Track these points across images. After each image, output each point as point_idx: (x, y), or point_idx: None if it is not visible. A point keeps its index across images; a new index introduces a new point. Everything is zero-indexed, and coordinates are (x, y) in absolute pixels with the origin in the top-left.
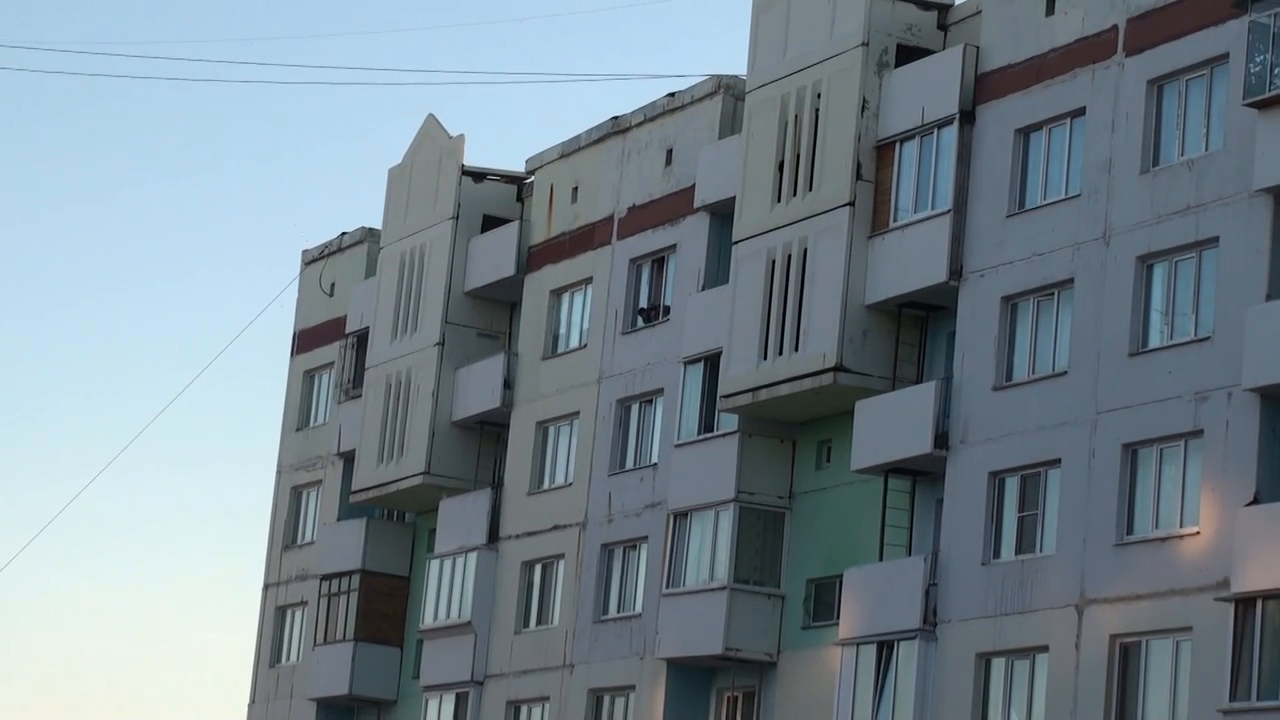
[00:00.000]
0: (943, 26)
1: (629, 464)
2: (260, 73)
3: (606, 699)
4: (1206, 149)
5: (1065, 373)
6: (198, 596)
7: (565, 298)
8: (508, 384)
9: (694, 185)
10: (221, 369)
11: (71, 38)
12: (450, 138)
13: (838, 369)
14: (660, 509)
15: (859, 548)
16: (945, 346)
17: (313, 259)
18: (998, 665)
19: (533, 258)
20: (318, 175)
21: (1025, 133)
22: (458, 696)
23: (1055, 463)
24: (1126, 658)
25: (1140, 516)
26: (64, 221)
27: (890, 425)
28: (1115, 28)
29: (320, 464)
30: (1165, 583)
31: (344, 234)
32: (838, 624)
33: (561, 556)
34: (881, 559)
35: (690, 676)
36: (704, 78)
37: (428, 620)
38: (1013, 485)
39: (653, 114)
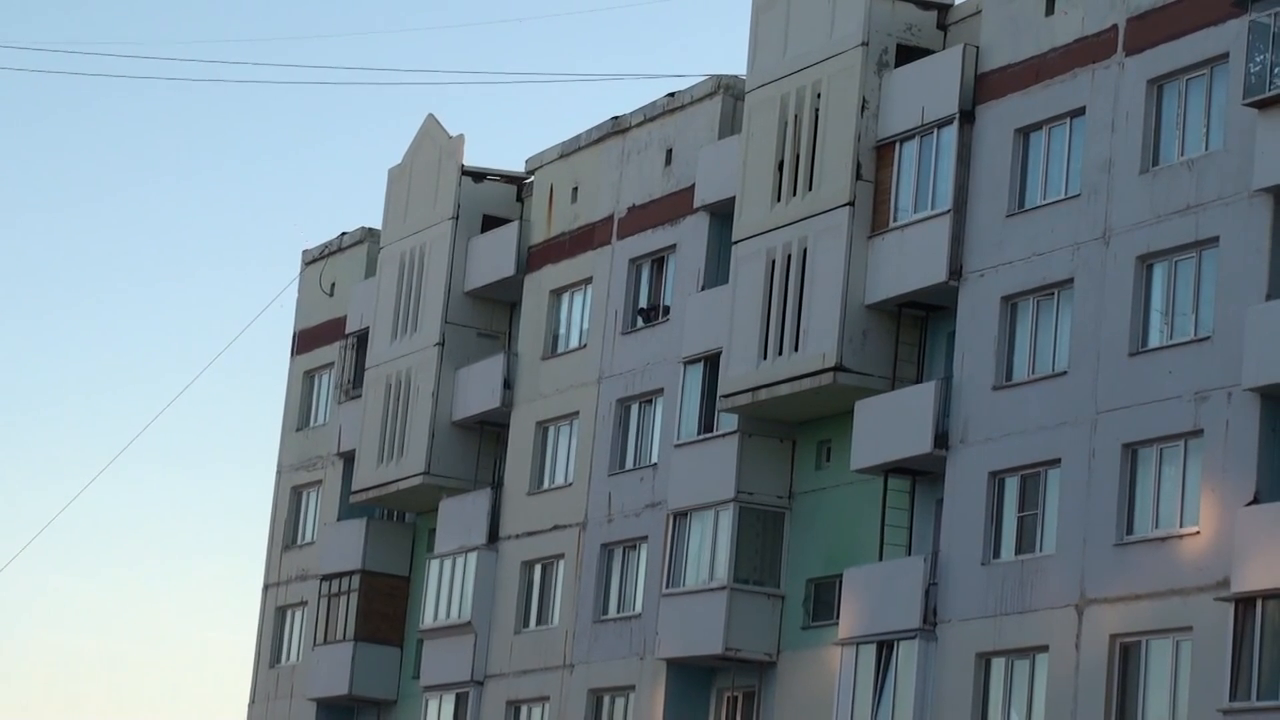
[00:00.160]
0: (942, 26)
1: (629, 464)
2: (260, 73)
3: (606, 699)
4: (1206, 149)
5: (1065, 372)
6: (198, 596)
7: (565, 298)
8: (508, 384)
9: (694, 185)
10: (221, 369)
11: (71, 38)
12: (450, 138)
13: (837, 369)
14: (660, 509)
15: (859, 548)
16: (945, 346)
17: (313, 259)
18: (998, 665)
19: (533, 258)
20: (318, 175)
21: (1025, 132)
22: (458, 696)
23: (1055, 463)
24: (1126, 658)
25: (1140, 516)
26: (64, 221)
27: (890, 425)
28: (1115, 27)
29: (320, 464)
30: (1165, 583)
31: (344, 234)
32: (837, 624)
33: (561, 556)
34: (881, 559)
35: (690, 676)
36: (704, 78)
37: (428, 620)
38: (1012, 485)
39: (652, 114)
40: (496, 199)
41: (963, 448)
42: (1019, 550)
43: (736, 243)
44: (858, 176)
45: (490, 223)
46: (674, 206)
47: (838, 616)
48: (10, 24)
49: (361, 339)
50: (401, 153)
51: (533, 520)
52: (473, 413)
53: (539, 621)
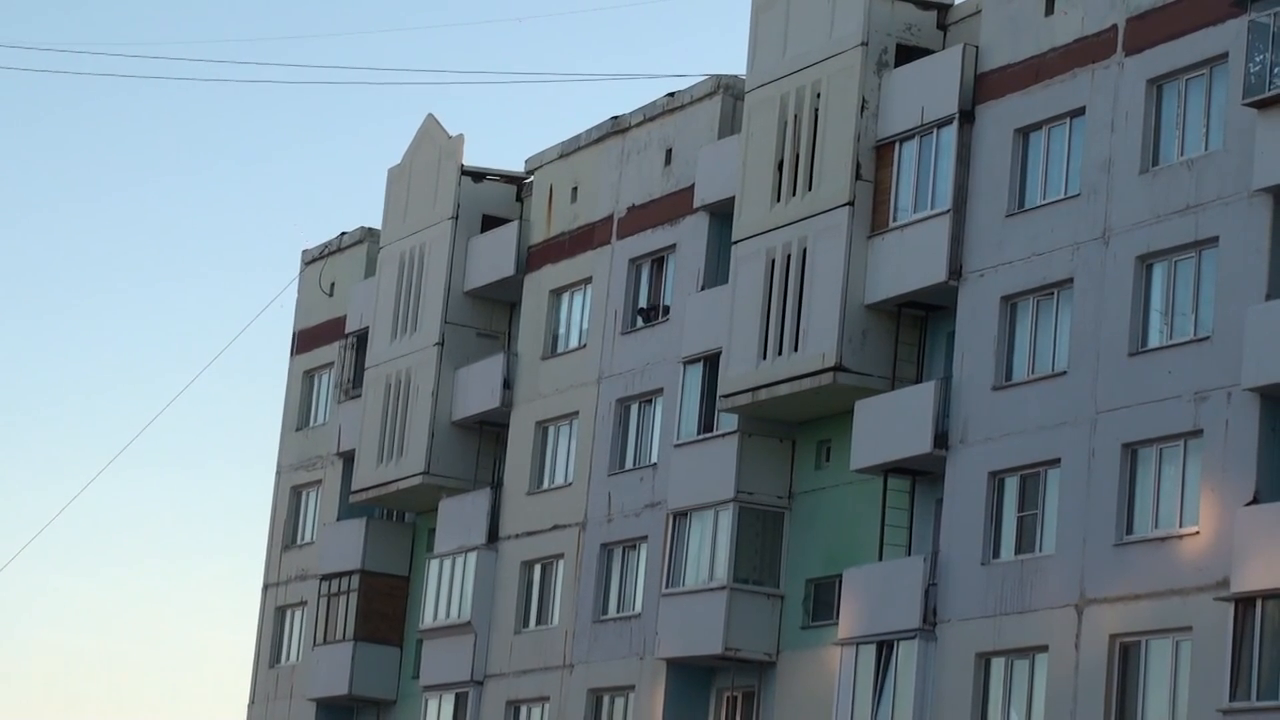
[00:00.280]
0: (942, 26)
1: (629, 464)
2: (260, 73)
3: (606, 699)
4: (1206, 149)
5: (1065, 372)
6: (198, 596)
7: (565, 297)
8: (507, 384)
9: (693, 185)
10: (221, 369)
11: (71, 38)
12: (450, 138)
13: (837, 369)
14: (660, 509)
15: (858, 547)
16: (945, 346)
17: (312, 259)
18: (997, 665)
19: (532, 258)
20: (318, 175)
21: (1025, 132)
22: (457, 696)
23: (1055, 462)
24: (1126, 657)
25: (1140, 516)
26: (64, 221)
27: (890, 425)
28: (1115, 27)
29: (320, 464)
30: (1165, 583)
31: (344, 234)
32: (837, 624)
33: (561, 556)
34: (881, 559)
35: (690, 676)
36: (703, 78)
37: (427, 620)
38: (1012, 485)
39: (652, 114)
40: (496, 199)
41: (962, 448)
42: (1019, 550)
43: (736, 243)
44: (857, 176)
45: (490, 223)
46: (674, 206)
47: (837, 616)
48: (10, 24)
49: (361, 339)
50: (401, 153)
51: (532, 520)
52: (472, 413)
53: (539, 621)
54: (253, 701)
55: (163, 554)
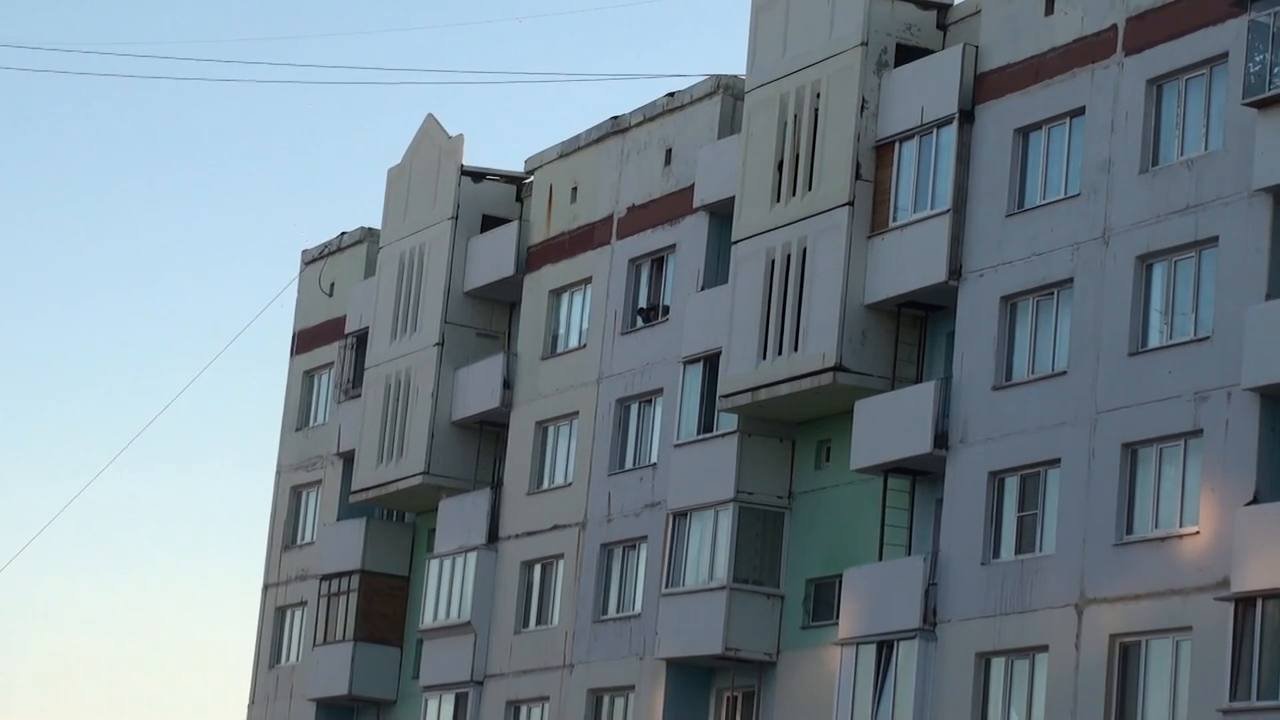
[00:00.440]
0: (942, 26)
1: (628, 464)
2: (260, 72)
3: (606, 699)
4: (1206, 149)
5: (1065, 372)
6: (198, 596)
7: (565, 298)
8: (507, 384)
9: (693, 185)
10: (221, 369)
11: (71, 38)
12: (449, 138)
13: (837, 369)
14: (660, 509)
15: (858, 547)
16: (945, 346)
17: (312, 259)
18: (997, 665)
19: (532, 258)
20: (318, 175)
21: (1024, 132)
22: (457, 696)
23: (1055, 462)
24: (1126, 657)
25: (1140, 516)
26: (64, 221)
27: (890, 425)
28: (1114, 27)
29: (320, 464)
30: (1165, 582)
31: (343, 234)
32: (837, 624)
33: (561, 556)
34: (881, 559)
35: (690, 676)
36: (703, 78)
37: (427, 620)
38: (1012, 485)
39: (652, 114)
40: (496, 199)
41: (962, 448)
42: (1019, 550)
43: (736, 243)
44: (857, 176)
45: (490, 223)
46: (673, 206)
47: (837, 616)
48: (10, 24)
49: (361, 339)
50: (401, 153)
51: (532, 520)
52: (472, 413)
53: (539, 621)
54: (253, 702)
55: (163, 554)
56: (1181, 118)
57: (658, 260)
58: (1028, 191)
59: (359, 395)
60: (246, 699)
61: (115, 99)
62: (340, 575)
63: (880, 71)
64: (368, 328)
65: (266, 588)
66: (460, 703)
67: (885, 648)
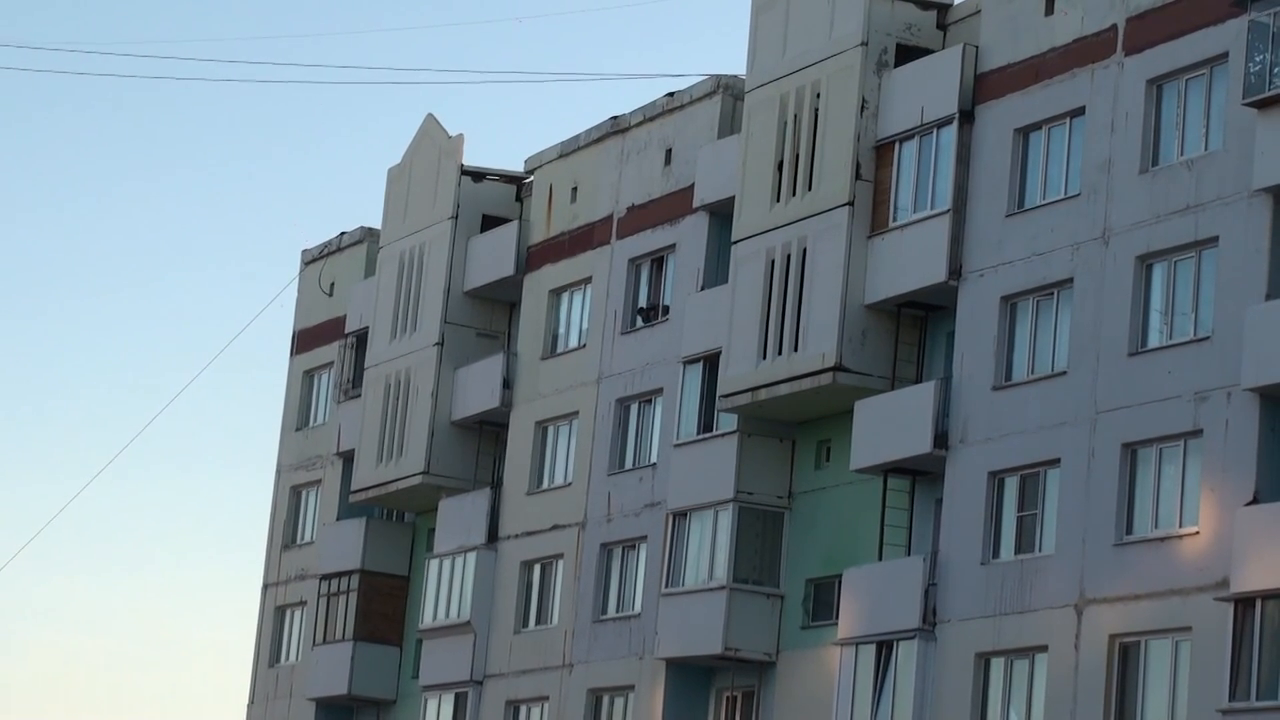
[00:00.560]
0: (942, 26)
1: (628, 464)
2: (260, 73)
3: (606, 699)
4: (1206, 149)
5: (1065, 372)
6: (198, 596)
7: (564, 297)
8: (507, 384)
9: (693, 185)
10: (221, 369)
11: (71, 38)
12: (449, 137)
13: (837, 369)
14: (659, 509)
15: (858, 547)
16: (945, 346)
17: (312, 259)
18: (997, 665)
19: (532, 257)
20: (318, 175)
21: (1024, 132)
22: (457, 696)
23: (1055, 462)
24: (1126, 658)
25: (1140, 516)
26: (64, 221)
27: (890, 425)
28: (1114, 27)
29: (320, 464)
30: (1165, 583)
31: (343, 234)
32: (837, 624)
33: (561, 556)
34: (881, 559)
35: (689, 676)
36: (703, 77)
37: (427, 620)
38: (1012, 485)
39: (652, 114)
40: (496, 199)
41: (962, 448)
42: (1018, 550)
43: (736, 242)
44: (857, 176)
45: (490, 222)
46: (673, 206)
47: (837, 616)
48: (10, 24)
49: (361, 339)
50: (401, 153)
51: (532, 520)
52: (472, 412)
53: (538, 621)
54: (252, 701)
55: (163, 554)
56: (1181, 118)
57: (658, 260)
58: (1028, 191)
59: (359, 395)
60: (246, 699)
61: (115, 99)
62: (340, 575)
63: (880, 71)
64: (368, 327)
65: (266, 587)
66: (460, 702)
67: (885, 648)
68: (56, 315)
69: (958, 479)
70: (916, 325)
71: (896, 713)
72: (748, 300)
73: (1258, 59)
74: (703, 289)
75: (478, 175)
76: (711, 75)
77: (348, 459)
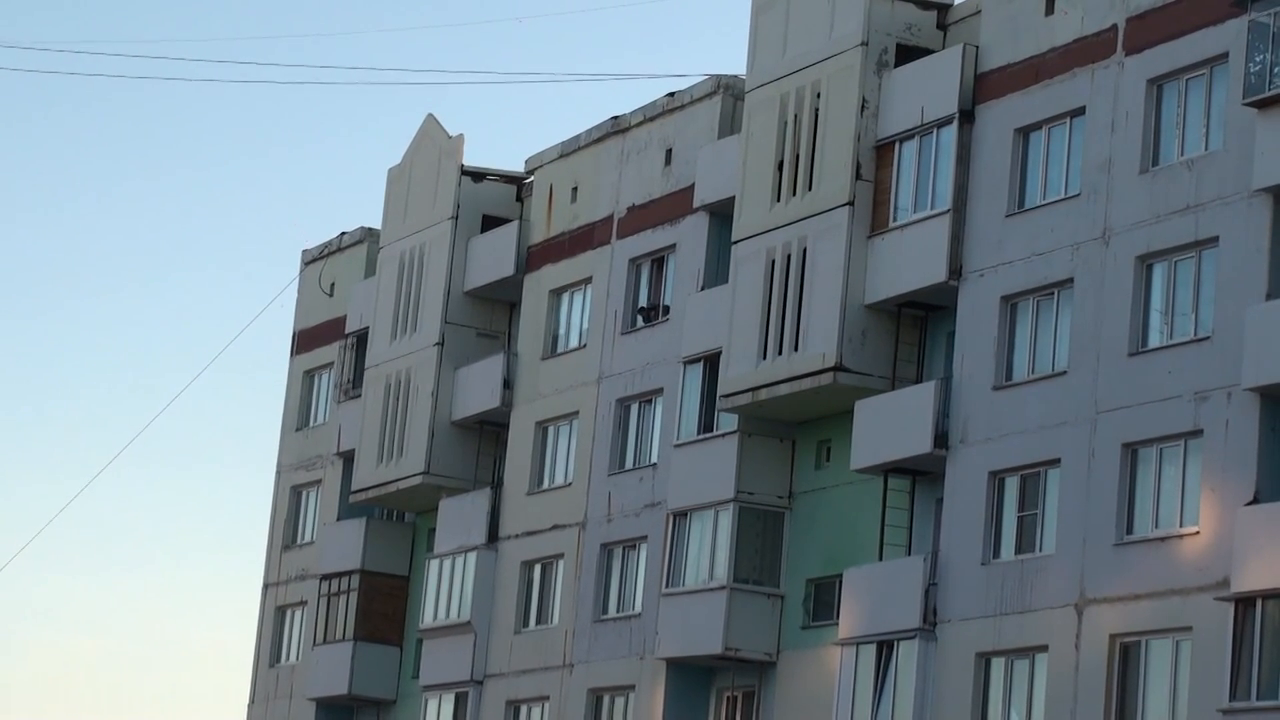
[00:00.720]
0: (942, 26)
1: (628, 464)
2: (260, 73)
3: (606, 699)
4: (1206, 149)
5: (1065, 372)
6: (198, 596)
7: (565, 297)
8: (507, 384)
9: (693, 185)
10: (221, 369)
11: (71, 38)
12: (450, 138)
13: (837, 369)
14: (660, 509)
15: (859, 547)
16: (945, 346)
17: (312, 259)
18: (997, 665)
19: (532, 257)
20: (318, 175)
21: (1025, 132)
22: (457, 696)
23: (1055, 462)
24: (1126, 657)
25: (1140, 516)
26: (63, 221)
27: (890, 425)
28: (1115, 27)
29: (320, 464)
30: (1165, 582)
31: (343, 234)
32: (837, 624)
33: (561, 556)
34: (881, 559)
35: (690, 676)
36: (703, 78)
37: (427, 620)
38: (1012, 485)
39: (652, 114)
40: (496, 199)
41: (962, 448)
42: (1019, 550)
43: (736, 242)
44: (857, 176)
45: (490, 222)
46: (674, 206)
47: (837, 616)
48: (10, 24)
49: (361, 339)
50: (401, 153)
51: (532, 520)
52: (472, 412)
53: (539, 621)
54: (253, 701)
55: (163, 554)
56: (1181, 118)
57: (658, 260)
58: (1028, 191)
59: (359, 395)
60: (246, 698)
61: (115, 99)
62: (340, 575)
63: (880, 71)
64: (368, 328)
65: (266, 587)
66: (460, 702)
67: (885, 648)
68: (56, 315)
69: (958, 479)
70: (917, 325)
71: (897, 713)
72: (748, 300)
73: (1258, 59)
74: (703, 289)
75: (478, 175)
76: (711, 75)
77: (348, 459)
